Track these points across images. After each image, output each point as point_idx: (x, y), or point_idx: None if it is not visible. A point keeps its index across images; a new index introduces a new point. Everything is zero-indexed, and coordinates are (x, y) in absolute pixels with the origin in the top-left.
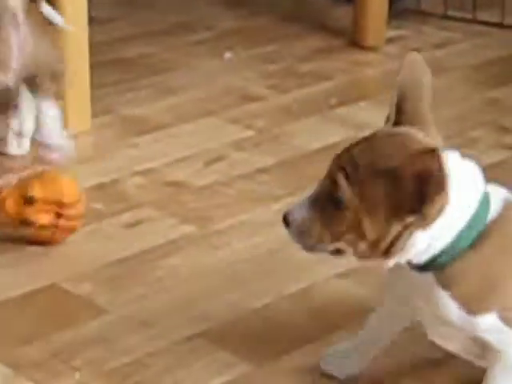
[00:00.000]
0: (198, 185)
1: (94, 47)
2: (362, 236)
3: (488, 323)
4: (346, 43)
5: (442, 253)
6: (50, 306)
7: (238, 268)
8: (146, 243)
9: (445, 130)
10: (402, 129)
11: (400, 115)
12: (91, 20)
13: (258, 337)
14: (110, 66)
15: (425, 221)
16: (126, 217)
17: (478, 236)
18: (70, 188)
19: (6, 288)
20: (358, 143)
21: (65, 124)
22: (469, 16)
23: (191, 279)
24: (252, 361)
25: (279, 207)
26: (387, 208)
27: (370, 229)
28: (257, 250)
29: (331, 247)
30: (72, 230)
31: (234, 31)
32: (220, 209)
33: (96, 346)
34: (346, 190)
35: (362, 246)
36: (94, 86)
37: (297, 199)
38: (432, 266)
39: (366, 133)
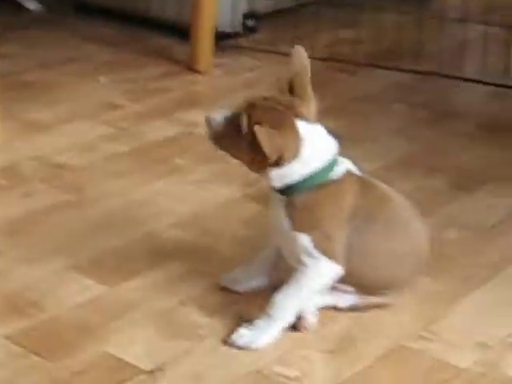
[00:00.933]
0: (75, 166)
1: (5, 74)
2: (242, 157)
3: (302, 241)
4: (185, 69)
5: (291, 186)
6: None
7: (101, 219)
8: (35, 206)
9: None
10: (284, 97)
11: (291, 87)
12: None
13: (113, 268)
14: (16, 86)
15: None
16: (22, 189)
17: (318, 183)
18: None
19: None
20: (258, 100)
21: None
22: (271, 48)
23: (68, 231)
24: (107, 284)
25: (133, 181)
26: (254, 152)
27: (246, 157)
28: (116, 209)
29: (227, 151)
30: None
31: (105, 62)
32: (89, 182)
33: None
34: (242, 127)
35: (243, 161)
36: (3, 100)
37: (217, 111)
38: (286, 192)
39: (194, 129)
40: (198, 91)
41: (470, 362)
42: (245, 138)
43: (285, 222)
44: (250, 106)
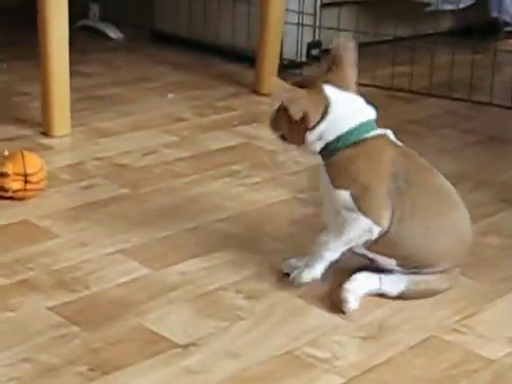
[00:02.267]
0: (136, 166)
1: (83, 89)
2: (285, 131)
3: (342, 197)
4: (250, 91)
5: (328, 147)
6: (23, 232)
7: (154, 212)
8: (93, 198)
9: None
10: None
11: (333, 65)
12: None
13: (159, 254)
14: (91, 99)
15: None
16: (83, 183)
17: (352, 143)
18: (31, 162)
19: None
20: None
21: (53, 129)
22: None
23: (121, 219)
24: (151, 267)
25: (188, 180)
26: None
27: (285, 127)
28: (170, 203)
29: (278, 133)
30: (38, 190)
31: (175, 83)
32: (147, 180)
33: (47, 256)
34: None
35: (288, 136)
36: (77, 110)
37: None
38: (326, 154)
39: (253, 141)
40: (259, 110)
41: (501, 354)
42: (284, 114)
43: (327, 183)
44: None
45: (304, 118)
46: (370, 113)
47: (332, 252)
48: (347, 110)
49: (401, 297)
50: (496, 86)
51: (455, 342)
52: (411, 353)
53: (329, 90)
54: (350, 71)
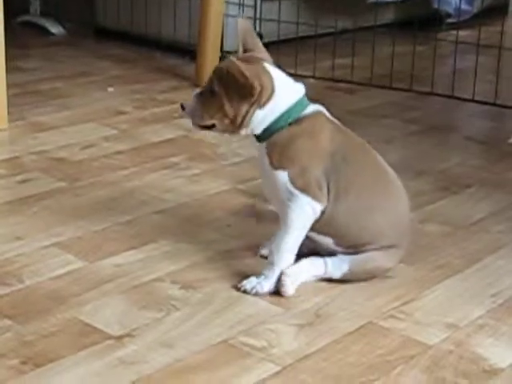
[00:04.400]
0: (74, 160)
1: (23, 84)
2: (225, 114)
3: (280, 178)
4: (191, 84)
5: (269, 128)
6: None
7: (90, 205)
8: (29, 192)
9: None
10: (247, 54)
11: (245, 47)
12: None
13: (95, 247)
14: (31, 94)
15: (259, 103)
16: (19, 177)
17: (292, 120)
18: None
19: None
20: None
21: None
22: None
23: (57, 213)
24: (87, 260)
25: (126, 173)
26: (236, 95)
27: (229, 109)
28: (107, 196)
29: (208, 123)
30: None
31: (116, 76)
32: (85, 173)
33: None
34: (216, 85)
35: (226, 121)
36: (16, 104)
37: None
38: (264, 135)
39: (192, 134)
40: None
41: (439, 340)
42: (221, 93)
43: (266, 165)
44: (217, 68)
45: (258, 94)
46: (301, 89)
47: (286, 254)
48: (285, 86)
49: (345, 279)
50: (437, 76)
51: (392, 328)
52: (348, 340)
53: (268, 67)
54: (263, 50)
